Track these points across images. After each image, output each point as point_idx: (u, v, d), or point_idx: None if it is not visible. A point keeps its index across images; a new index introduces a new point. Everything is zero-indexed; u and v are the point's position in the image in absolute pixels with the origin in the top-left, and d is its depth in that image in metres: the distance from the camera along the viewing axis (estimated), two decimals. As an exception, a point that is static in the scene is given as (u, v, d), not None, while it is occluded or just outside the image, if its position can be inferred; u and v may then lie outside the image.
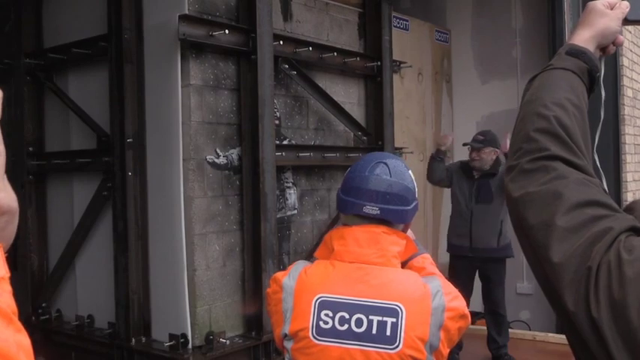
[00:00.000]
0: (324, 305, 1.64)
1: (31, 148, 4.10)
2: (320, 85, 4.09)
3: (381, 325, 1.61)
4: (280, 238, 3.81)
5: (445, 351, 1.67)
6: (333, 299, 1.65)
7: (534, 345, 5.01)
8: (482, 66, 6.14)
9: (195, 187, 3.35)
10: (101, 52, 3.63)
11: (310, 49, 3.93)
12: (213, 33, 3.33)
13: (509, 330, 4.78)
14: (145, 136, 3.47)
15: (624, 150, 5.62)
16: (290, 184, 3.97)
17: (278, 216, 3.72)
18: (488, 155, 4.48)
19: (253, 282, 3.51)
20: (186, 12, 3.25)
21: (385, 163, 1.74)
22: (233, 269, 3.53)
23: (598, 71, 1.17)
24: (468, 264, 4.49)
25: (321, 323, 1.63)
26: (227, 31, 3.38)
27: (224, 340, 3.34)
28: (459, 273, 4.42)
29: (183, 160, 3.32)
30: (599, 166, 1.18)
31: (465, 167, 4.67)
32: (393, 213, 1.71)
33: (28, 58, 4.06)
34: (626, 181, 5.64)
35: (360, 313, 1.62)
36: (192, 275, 3.33)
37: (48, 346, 3.92)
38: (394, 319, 1.61)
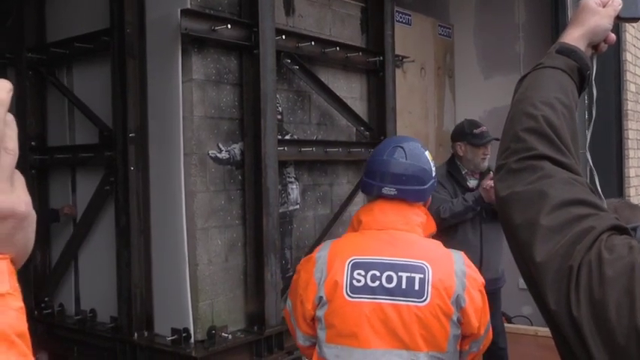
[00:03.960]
0: (356, 266, 1.78)
1: (33, 143, 4.11)
2: (322, 79, 4.09)
3: (410, 280, 1.74)
4: (282, 232, 3.81)
5: (474, 321, 1.76)
6: (364, 260, 1.79)
7: (536, 340, 5.02)
8: (485, 61, 6.13)
9: (197, 181, 3.35)
10: (103, 46, 3.63)
11: (313, 43, 3.93)
12: (216, 27, 3.33)
13: (509, 325, 4.76)
14: (148, 130, 3.47)
15: (627, 145, 5.61)
16: (292, 179, 3.97)
17: (280, 211, 3.72)
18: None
19: (255, 276, 3.51)
20: (189, 6, 3.25)
21: (402, 147, 1.92)
22: (235, 264, 3.54)
23: (588, 69, 1.16)
24: None
25: (354, 282, 1.76)
26: (229, 26, 3.38)
27: (226, 335, 3.35)
28: None
29: (186, 154, 3.32)
30: (591, 164, 1.18)
31: (457, 173, 3.94)
32: (410, 192, 1.88)
33: (30, 53, 4.06)
34: (629, 177, 5.63)
35: (390, 270, 1.76)
36: (194, 270, 3.33)
37: (50, 340, 3.94)
38: (422, 275, 1.74)
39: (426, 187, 1.90)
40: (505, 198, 1.01)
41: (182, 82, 3.30)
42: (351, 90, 4.45)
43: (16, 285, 0.54)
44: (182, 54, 3.27)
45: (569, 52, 1.15)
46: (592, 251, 0.89)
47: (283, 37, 3.70)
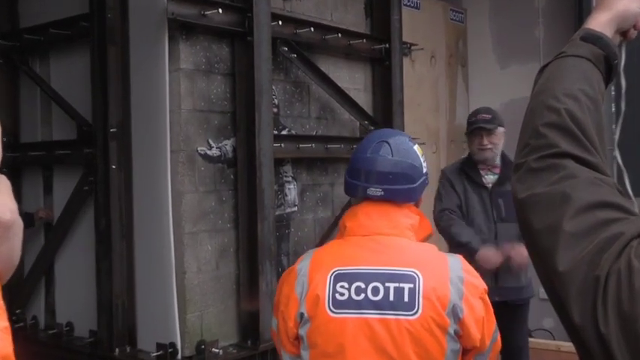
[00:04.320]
0: (339, 278, 1.75)
1: (4, 139, 4.08)
2: (323, 69, 4.09)
3: (398, 291, 1.71)
4: (279, 237, 3.82)
5: (475, 332, 1.72)
6: (348, 271, 1.76)
7: (558, 356, 5.01)
8: (501, 48, 6.13)
9: (185, 181, 3.36)
10: (82, 32, 3.63)
11: (312, 29, 3.93)
12: (206, 12, 3.33)
13: (530, 339, 4.76)
14: (131, 125, 3.47)
15: (658, 141, 5.61)
16: (289, 179, 3.97)
17: (276, 213, 3.73)
18: (501, 138, 3.87)
19: (249, 286, 3.52)
20: (176, -11, 3.26)
21: (387, 142, 1.87)
22: (227, 272, 3.55)
23: (616, 58, 1.16)
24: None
25: (337, 295, 1.73)
26: (220, 10, 3.38)
27: (217, 350, 3.35)
28: None
29: (172, 151, 3.33)
30: (620, 163, 1.18)
31: (470, 168, 3.93)
32: (399, 192, 1.84)
33: (1, 39, 4.06)
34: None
35: (377, 281, 1.73)
36: (181, 278, 3.34)
37: (22, 356, 3.93)
38: (411, 285, 1.71)
39: (415, 185, 1.87)
40: (524, 200, 1.00)
41: (169, 72, 3.30)
42: (354, 80, 4.45)
43: (1, 302, 0.53)
44: (169, 41, 3.27)
45: (594, 39, 1.14)
46: (621, 259, 0.88)
47: (280, 22, 3.71)
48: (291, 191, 3.98)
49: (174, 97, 3.33)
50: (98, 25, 3.47)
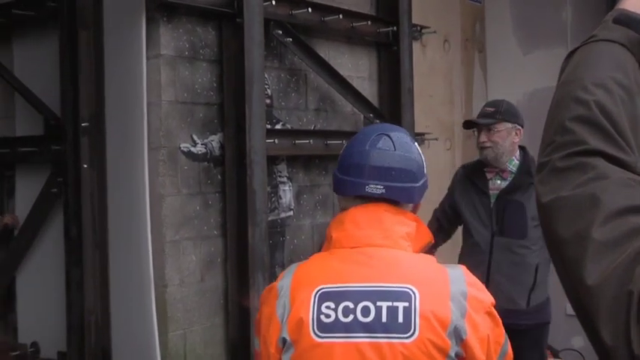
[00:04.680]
0: (324, 297, 1.73)
1: (-40, 135, 4.11)
2: (322, 55, 4.10)
3: (392, 311, 1.69)
4: (272, 246, 3.82)
5: (479, 354, 1.71)
6: (334, 289, 1.74)
7: (588, 379, 5.03)
8: (523, 32, 6.14)
9: (166, 182, 3.36)
10: (50, 14, 3.63)
11: (309, 10, 3.93)
12: (189, -10, 3.34)
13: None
14: (105, 119, 3.47)
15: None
16: (284, 179, 3.98)
17: (270, 218, 3.73)
18: (507, 136, 3.77)
19: (238, 300, 3.52)
20: (155, -36, 3.26)
21: (388, 135, 1.87)
22: (214, 285, 3.55)
23: None
24: None
25: (322, 317, 1.71)
26: (206, -11, 3.39)
27: (203, 373, 3.35)
28: None
29: (151, 149, 3.33)
30: None
31: (475, 170, 3.93)
32: (400, 191, 1.83)
33: (-43, 22, 4.07)
34: None
35: (367, 300, 1.71)
36: (162, 293, 3.34)
37: (-18, 381, 3.94)
38: (406, 304, 1.69)
39: (418, 184, 1.87)
40: (548, 205, 1.00)
41: (147, 59, 3.30)
42: (358, 68, 4.45)
43: None
44: (147, 24, 3.27)
45: (629, 21, 1.14)
46: None
47: (273, 2, 3.71)
48: (287, 193, 3.99)
49: (153, 87, 3.34)
50: (68, 5, 3.47)
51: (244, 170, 3.48)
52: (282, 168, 3.97)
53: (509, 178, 3.84)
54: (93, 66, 3.47)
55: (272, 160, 3.79)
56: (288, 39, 3.87)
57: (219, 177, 3.58)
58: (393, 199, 1.84)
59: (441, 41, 5.69)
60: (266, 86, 3.76)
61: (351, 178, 1.86)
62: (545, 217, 1.01)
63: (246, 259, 3.48)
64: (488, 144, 3.76)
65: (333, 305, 1.72)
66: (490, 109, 3.85)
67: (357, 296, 1.72)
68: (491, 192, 3.84)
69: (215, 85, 3.59)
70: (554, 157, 1.03)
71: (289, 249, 4.00)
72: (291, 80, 4.04)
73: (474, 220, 3.84)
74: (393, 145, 1.85)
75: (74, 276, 3.49)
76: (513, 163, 3.85)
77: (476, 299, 1.73)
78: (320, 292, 1.74)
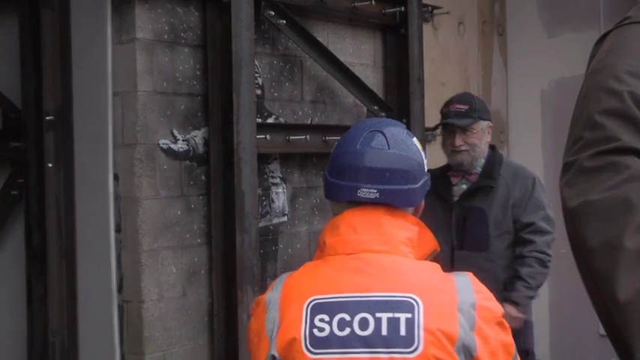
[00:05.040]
0: (317, 309, 1.76)
1: None
2: (320, 39, 4.09)
3: (393, 323, 1.71)
4: (264, 255, 3.82)
5: None
6: (328, 299, 1.77)
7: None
8: (549, 12, 6.14)
9: (143, 184, 3.35)
10: (9, -8, 3.63)
11: (306, -12, 3.94)
12: (168, -35, 3.34)
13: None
14: (72, 112, 3.47)
15: None
16: (277, 180, 3.97)
17: (261, 225, 3.73)
18: (482, 136, 3.81)
19: (225, 318, 3.51)
20: None
21: (381, 132, 1.89)
22: (197, 300, 3.54)
23: None
24: None
25: (315, 331, 1.73)
26: (188, -37, 3.39)
27: (184, 401, 3.35)
28: None
29: (127, 145, 3.33)
30: None
31: (441, 178, 3.89)
32: (397, 194, 1.86)
33: None
34: None
35: (365, 311, 1.73)
36: (138, 309, 3.33)
37: None
38: (409, 315, 1.71)
39: (417, 185, 1.90)
40: (575, 210, 1.00)
41: (121, 44, 3.30)
42: (361, 54, 4.45)
43: None
44: (121, 3, 3.27)
45: None
46: None
47: (264, -22, 3.71)
48: (280, 196, 3.98)
49: (128, 75, 3.33)
50: (30, -18, 3.47)
51: (232, 170, 3.48)
52: (275, 167, 3.96)
53: (472, 182, 3.85)
54: (58, 51, 3.46)
55: (263, 159, 3.79)
56: (281, 21, 3.86)
57: (203, 178, 3.58)
58: (389, 204, 1.86)
59: (455, 23, 5.69)
60: (256, 75, 3.76)
61: (342, 181, 1.88)
62: (572, 224, 1.01)
63: (233, 270, 3.47)
64: (464, 147, 3.77)
65: (327, 318, 1.73)
66: (462, 106, 3.82)
67: (353, 307, 1.74)
68: (455, 199, 3.85)
69: (198, 73, 3.58)
70: (582, 155, 1.03)
71: (283, 259, 4.00)
72: (284, 68, 4.03)
73: (438, 233, 3.79)
74: (387, 142, 1.87)
75: (37, 290, 3.48)
76: (481, 165, 3.85)
77: (486, 309, 1.75)
78: (312, 303, 1.76)
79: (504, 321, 1.79)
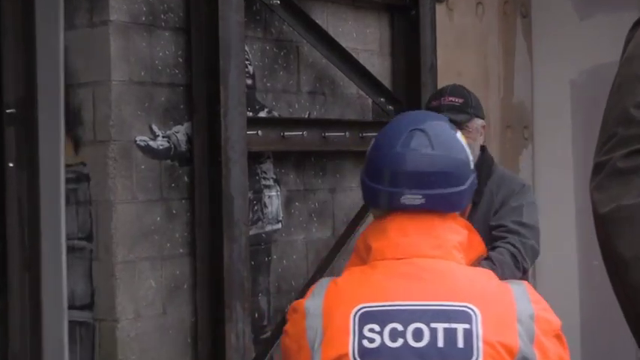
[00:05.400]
0: (367, 318, 1.80)
1: None
2: (319, 22, 4.09)
3: (450, 334, 1.76)
4: (255, 267, 3.82)
5: None
6: (378, 308, 1.81)
7: None
8: (580, -9, 6.14)
9: (117, 186, 3.35)
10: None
11: (303, -37, 3.94)
12: (147, -62, 3.34)
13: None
14: (37, 105, 3.47)
15: None
16: (271, 182, 3.97)
17: (251, 233, 3.73)
18: (477, 136, 3.76)
19: (211, 339, 3.51)
20: None
21: (423, 130, 1.93)
22: (178, 318, 3.54)
23: None
24: None
25: (365, 342, 1.77)
26: None
27: None
28: None
29: (99, 142, 3.34)
30: None
31: None
32: (444, 199, 1.92)
33: None
34: None
35: (419, 321, 1.77)
36: (112, 329, 3.33)
37: None
38: (467, 325, 1.76)
39: (464, 187, 1.94)
40: (606, 216, 1.00)
41: (93, 27, 3.30)
42: (365, 39, 4.45)
43: None
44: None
45: None
46: None
47: (256, -47, 3.71)
48: (273, 200, 3.98)
49: (100, 62, 3.33)
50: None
51: (219, 170, 3.48)
52: (268, 168, 3.96)
53: None
54: (20, 37, 3.46)
55: (255, 158, 3.79)
56: (274, 1, 3.86)
57: (185, 179, 3.58)
58: (435, 210, 1.91)
59: (472, 3, 5.69)
60: (247, 62, 3.76)
61: (383, 187, 1.93)
62: (603, 232, 1.01)
63: (220, 285, 3.47)
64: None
65: (377, 328, 1.77)
66: (457, 99, 3.70)
67: (406, 317, 1.78)
68: None
69: (181, 60, 3.58)
70: (615, 155, 1.03)
71: (277, 271, 3.99)
72: (278, 54, 4.03)
73: None
74: (430, 143, 1.91)
75: (-3, 307, 3.48)
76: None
77: (545, 321, 1.80)
78: (361, 312, 1.80)
79: (562, 334, 1.84)
